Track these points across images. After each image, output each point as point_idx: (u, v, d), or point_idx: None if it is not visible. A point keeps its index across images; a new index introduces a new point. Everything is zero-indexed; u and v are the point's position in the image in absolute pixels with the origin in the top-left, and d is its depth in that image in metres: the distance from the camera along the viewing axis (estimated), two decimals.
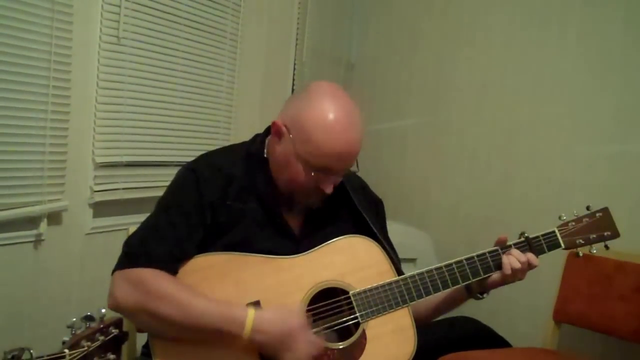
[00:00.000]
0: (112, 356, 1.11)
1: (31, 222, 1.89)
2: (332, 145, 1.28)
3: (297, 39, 3.05)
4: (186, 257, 1.30)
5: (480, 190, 2.90)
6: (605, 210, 1.51)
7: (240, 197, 1.37)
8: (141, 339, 1.40)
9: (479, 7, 2.96)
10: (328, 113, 1.28)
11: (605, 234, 1.50)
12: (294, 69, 3.05)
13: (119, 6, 2.03)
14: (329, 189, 1.33)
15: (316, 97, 1.32)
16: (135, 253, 1.28)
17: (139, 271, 1.25)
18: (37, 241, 1.92)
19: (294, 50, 3.04)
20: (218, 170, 1.37)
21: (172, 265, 1.28)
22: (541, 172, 2.71)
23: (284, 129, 1.32)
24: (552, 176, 2.67)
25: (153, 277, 1.24)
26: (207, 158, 1.42)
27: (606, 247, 1.51)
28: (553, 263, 2.25)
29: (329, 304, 1.34)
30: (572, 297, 2.35)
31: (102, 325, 1.11)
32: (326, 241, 1.38)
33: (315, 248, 1.37)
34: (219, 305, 1.23)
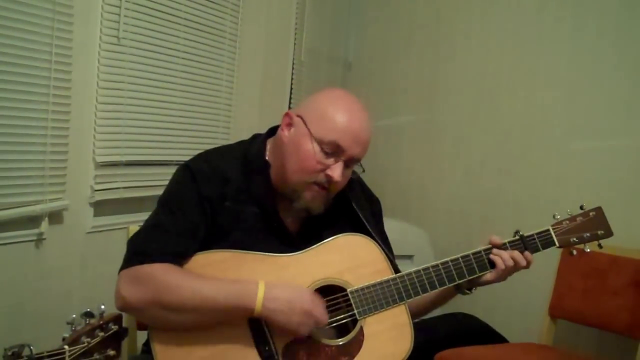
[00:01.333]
0: (112, 352, 1.12)
1: (32, 221, 1.90)
2: (346, 120, 1.33)
3: (295, 39, 3.07)
4: (190, 253, 1.31)
5: (476, 186, 2.94)
6: (598, 210, 1.53)
7: (238, 200, 1.38)
8: (142, 336, 1.41)
9: (474, 6, 2.99)
10: (342, 97, 1.39)
11: (599, 232, 1.51)
12: (293, 68, 3.07)
13: (119, 7, 2.04)
14: (337, 174, 1.33)
15: (329, 90, 1.43)
16: (140, 251, 1.29)
17: (144, 267, 1.26)
18: (39, 240, 1.92)
19: (292, 50, 3.06)
20: (214, 170, 1.38)
21: (176, 261, 1.29)
22: (536, 168, 2.74)
23: (295, 117, 1.37)
24: (546, 172, 2.70)
25: (159, 271, 1.25)
26: (204, 157, 1.43)
27: (599, 245, 1.52)
28: (548, 259, 2.25)
29: (327, 301, 1.34)
30: (567, 293, 2.38)
31: (101, 322, 1.12)
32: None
33: (314, 246, 1.38)
34: (229, 282, 1.26)
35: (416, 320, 1.47)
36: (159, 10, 2.21)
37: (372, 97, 3.22)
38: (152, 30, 2.20)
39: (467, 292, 1.47)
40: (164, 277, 1.25)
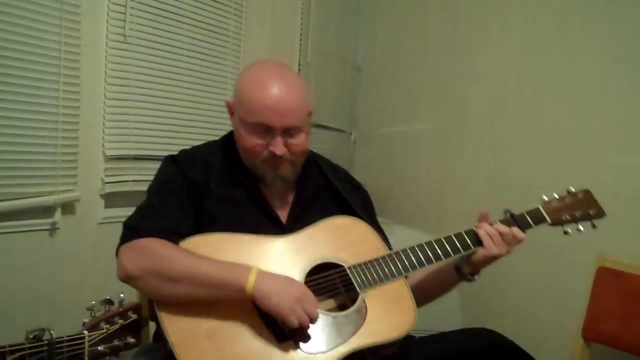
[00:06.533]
0: (132, 339, 1.16)
1: (46, 211, 1.96)
2: (260, 98, 1.35)
3: (300, 39, 3.03)
4: (183, 231, 1.35)
5: (500, 197, 2.69)
6: (586, 191, 1.55)
7: (224, 183, 1.42)
8: (152, 326, 1.44)
9: (492, 5, 2.77)
10: (255, 73, 1.40)
11: (591, 212, 1.52)
12: (299, 69, 3.02)
13: (125, 6, 2.10)
14: (278, 149, 1.36)
15: (247, 67, 1.45)
16: (136, 227, 1.33)
17: (143, 240, 1.30)
18: (52, 229, 1.98)
19: (298, 51, 3.03)
20: (197, 156, 1.46)
21: (171, 238, 1.32)
22: (564, 179, 2.39)
23: (232, 105, 1.43)
24: (575, 184, 2.52)
25: (157, 244, 1.29)
26: (187, 149, 1.51)
27: (593, 226, 1.52)
28: (581, 278, 2.12)
29: (325, 277, 1.37)
30: (603, 315, 2.16)
31: (121, 309, 1.17)
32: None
33: (306, 228, 1.41)
34: (224, 262, 1.28)
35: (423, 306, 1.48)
36: (164, 10, 2.26)
37: (384, 101, 3.11)
38: (158, 29, 2.25)
39: (471, 278, 1.48)
40: (160, 248, 1.29)
